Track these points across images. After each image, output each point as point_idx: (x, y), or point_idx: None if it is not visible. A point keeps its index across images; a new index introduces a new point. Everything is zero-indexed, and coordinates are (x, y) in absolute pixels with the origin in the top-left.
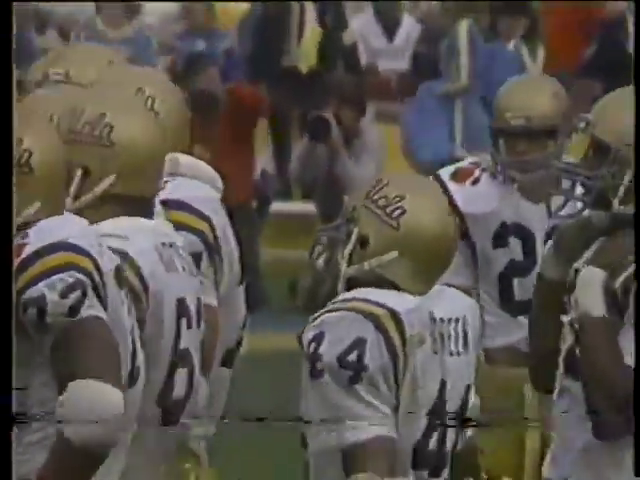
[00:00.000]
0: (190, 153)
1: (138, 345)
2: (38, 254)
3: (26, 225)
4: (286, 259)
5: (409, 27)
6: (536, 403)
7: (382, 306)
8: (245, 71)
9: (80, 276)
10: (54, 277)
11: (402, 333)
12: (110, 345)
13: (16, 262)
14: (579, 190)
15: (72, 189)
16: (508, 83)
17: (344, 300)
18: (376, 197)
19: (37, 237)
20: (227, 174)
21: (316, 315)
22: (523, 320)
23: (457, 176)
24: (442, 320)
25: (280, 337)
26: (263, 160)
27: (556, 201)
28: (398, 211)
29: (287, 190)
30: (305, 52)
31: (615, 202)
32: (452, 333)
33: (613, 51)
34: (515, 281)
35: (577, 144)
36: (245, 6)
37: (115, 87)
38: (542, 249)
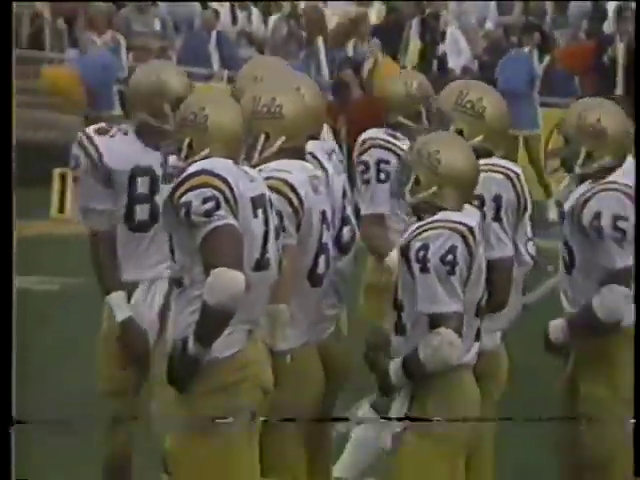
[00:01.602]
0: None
1: (271, 248)
2: (193, 175)
3: (196, 160)
4: None
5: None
6: None
7: (463, 224)
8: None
9: (215, 192)
10: (199, 190)
11: (475, 240)
12: (238, 243)
13: (181, 177)
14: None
15: (258, 148)
16: None
17: (437, 220)
18: (423, 152)
19: (196, 166)
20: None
21: (418, 232)
22: None
23: None
24: (479, 227)
25: None
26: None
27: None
28: (436, 162)
29: None
30: (410, 58)
31: None
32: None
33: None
34: None
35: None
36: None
37: (276, 79)
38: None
